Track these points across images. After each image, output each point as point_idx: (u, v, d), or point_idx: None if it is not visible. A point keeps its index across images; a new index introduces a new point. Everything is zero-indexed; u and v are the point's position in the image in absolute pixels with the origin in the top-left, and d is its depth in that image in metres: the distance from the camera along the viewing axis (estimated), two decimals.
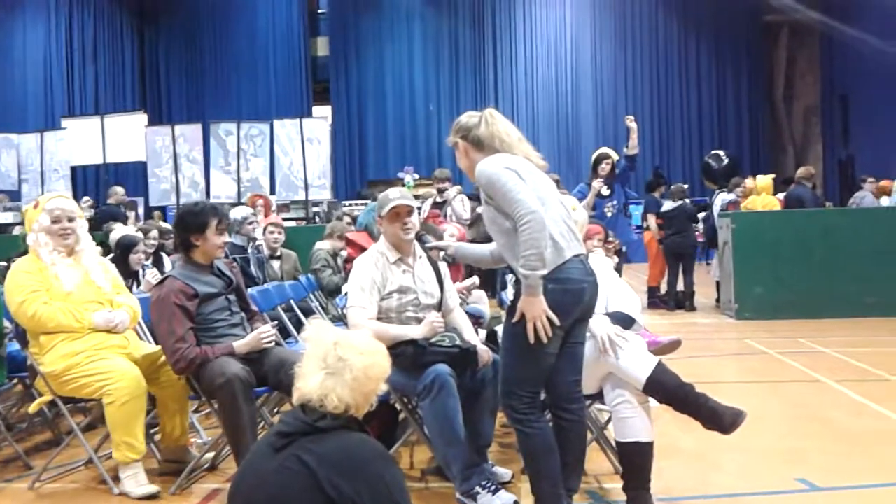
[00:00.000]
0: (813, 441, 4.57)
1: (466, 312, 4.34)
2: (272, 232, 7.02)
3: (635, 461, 3.33)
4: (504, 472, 3.89)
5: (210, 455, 4.16)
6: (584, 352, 3.21)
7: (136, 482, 3.76)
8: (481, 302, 5.68)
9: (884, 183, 11.64)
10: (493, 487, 3.48)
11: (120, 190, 11.75)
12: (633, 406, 3.33)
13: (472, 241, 10.67)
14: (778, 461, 4.15)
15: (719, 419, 3.25)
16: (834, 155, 21.01)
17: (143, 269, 6.04)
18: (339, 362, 2.19)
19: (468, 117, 3.28)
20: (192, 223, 4.01)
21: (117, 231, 6.69)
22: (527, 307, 2.89)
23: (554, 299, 2.91)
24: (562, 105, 23.10)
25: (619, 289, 4.10)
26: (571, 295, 2.98)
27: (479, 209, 10.85)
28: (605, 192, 7.86)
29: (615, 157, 8.04)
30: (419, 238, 4.07)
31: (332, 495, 2.03)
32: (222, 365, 3.72)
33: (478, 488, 3.47)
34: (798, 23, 21.97)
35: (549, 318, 2.89)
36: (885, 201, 11.04)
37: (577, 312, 3.03)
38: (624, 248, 7.80)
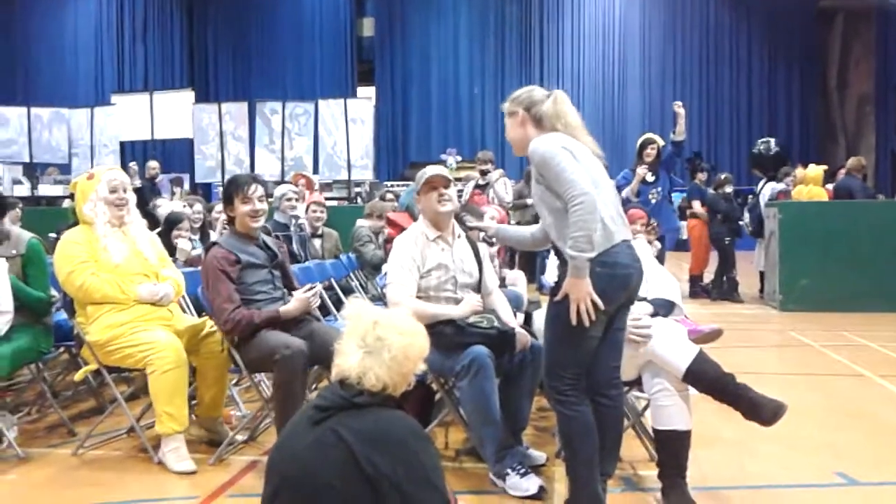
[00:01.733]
0: (853, 435, 4.50)
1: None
2: (314, 211, 7.07)
3: (671, 449, 3.31)
4: (539, 455, 3.89)
5: (247, 428, 4.23)
6: (624, 338, 3.19)
7: (178, 456, 3.83)
8: (518, 282, 5.66)
9: None
10: (522, 470, 3.49)
11: (154, 164, 11.91)
12: (672, 394, 3.30)
13: (518, 223, 10.74)
14: (817, 454, 4.10)
15: (760, 411, 3.20)
16: (887, 146, 20.47)
17: (193, 245, 6.11)
18: (377, 342, 2.20)
19: (535, 91, 3.22)
20: (226, 195, 4.19)
21: (165, 206, 6.79)
22: (572, 289, 2.86)
23: (600, 283, 2.87)
24: (608, 91, 22.83)
25: (660, 275, 4.07)
26: (618, 279, 2.95)
27: (517, 186, 10.84)
28: (650, 178, 7.77)
29: (661, 142, 7.94)
30: (458, 218, 4.08)
31: (368, 471, 2.04)
32: (285, 339, 3.77)
33: (508, 470, 3.49)
34: (853, 9, 21.38)
35: (593, 302, 2.86)
36: None
37: (623, 297, 3.01)
38: (665, 235, 7.71)
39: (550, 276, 4.26)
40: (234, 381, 4.82)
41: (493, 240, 3.87)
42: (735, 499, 3.05)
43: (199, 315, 4.55)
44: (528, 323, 4.56)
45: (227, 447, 4.04)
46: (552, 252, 4.48)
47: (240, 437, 4.21)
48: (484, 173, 9.73)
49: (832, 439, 4.39)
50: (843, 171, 10.86)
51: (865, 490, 3.64)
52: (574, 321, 2.87)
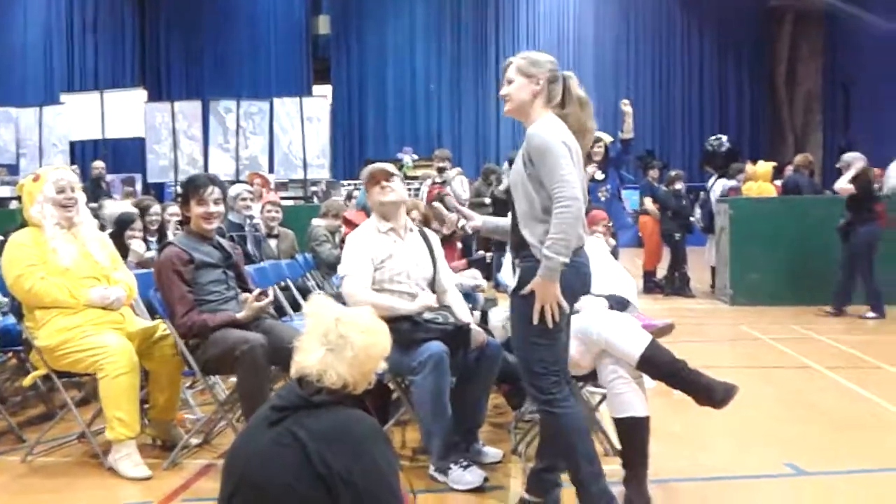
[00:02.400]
0: (802, 426, 4.61)
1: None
2: (269, 211, 7.02)
3: (632, 437, 3.34)
4: (495, 453, 3.92)
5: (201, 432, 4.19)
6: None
7: (130, 462, 3.77)
8: (476, 280, 5.67)
9: (878, 171, 11.62)
10: (465, 464, 3.52)
11: (98, 164, 11.73)
12: (628, 381, 3.32)
13: None
14: (767, 445, 4.19)
15: (712, 393, 3.27)
16: (834, 142, 20.94)
17: (149, 246, 6.00)
18: (340, 339, 2.18)
19: (553, 64, 3.09)
20: (182, 195, 4.16)
21: (112, 207, 6.66)
22: (541, 290, 2.83)
23: (569, 282, 2.87)
24: None
25: (616, 272, 4.12)
26: (581, 278, 2.99)
27: (474, 184, 10.86)
28: (599, 176, 7.83)
29: (608, 140, 8.01)
30: (441, 199, 4.11)
31: (321, 471, 2.03)
32: (242, 334, 3.75)
33: (451, 464, 3.52)
34: (802, 9, 21.84)
35: (559, 303, 2.85)
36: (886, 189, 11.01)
37: (581, 296, 3.06)
38: (618, 232, 7.80)
39: (506, 274, 4.28)
40: (187, 384, 4.77)
41: (469, 225, 3.77)
42: (687, 491, 3.11)
43: (152, 318, 4.49)
44: (484, 321, 4.58)
45: (182, 451, 4.00)
46: (508, 250, 4.52)
47: (194, 441, 4.17)
48: (441, 171, 9.75)
49: (782, 431, 4.50)
50: (790, 167, 11.09)
51: (814, 480, 3.73)
52: (536, 321, 2.86)
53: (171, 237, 6.59)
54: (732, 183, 10.46)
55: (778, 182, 11.01)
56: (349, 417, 2.14)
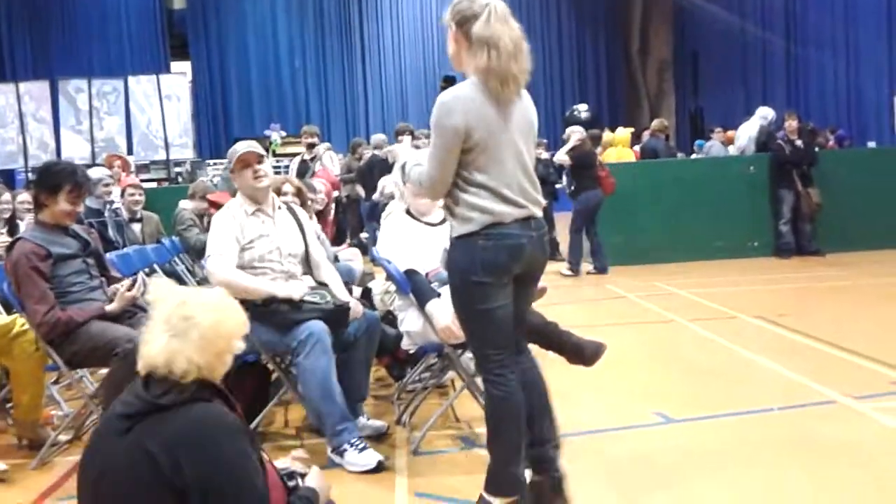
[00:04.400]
0: (668, 376, 4.89)
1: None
2: (132, 194, 6.75)
3: None
4: (380, 425, 3.95)
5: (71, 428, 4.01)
6: (527, 309, 3.08)
7: None
8: (355, 259, 5.69)
9: (730, 133, 12.35)
10: (361, 446, 3.51)
11: None
12: None
13: (347, 196, 10.71)
14: (637, 397, 4.42)
15: (582, 352, 3.40)
16: (685, 107, 22.03)
17: None
18: (183, 322, 2.02)
19: (470, 2, 2.77)
20: (45, 181, 3.84)
21: None
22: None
23: (493, 257, 2.75)
24: (429, 60, 23.04)
25: None
26: (507, 251, 2.78)
27: (344, 160, 10.82)
28: None
29: None
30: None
31: (176, 482, 1.89)
32: (126, 331, 3.58)
33: (346, 445, 3.50)
34: None
35: (486, 275, 2.74)
36: (732, 150, 11.71)
37: (518, 268, 2.82)
38: None
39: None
40: (53, 380, 4.54)
41: None
42: (565, 445, 3.24)
43: (9, 313, 4.23)
44: (366, 297, 4.59)
45: (50, 449, 3.82)
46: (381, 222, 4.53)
47: (63, 438, 3.98)
48: (311, 147, 9.62)
49: (650, 382, 4.75)
50: (647, 132, 11.59)
51: (681, 426, 3.97)
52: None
53: (22, 227, 6.23)
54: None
55: (636, 147, 11.50)
56: (198, 416, 1.98)
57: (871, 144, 14.19)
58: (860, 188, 9.59)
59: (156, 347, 2.01)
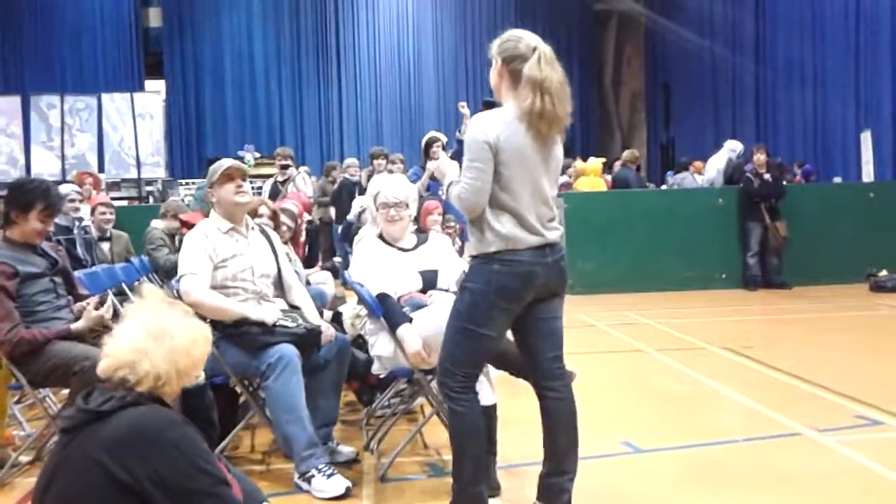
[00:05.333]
0: (636, 406, 4.92)
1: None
2: (102, 213, 6.68)
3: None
4: (349, 451, 3.93)
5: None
6: (562, 327, 3.14)
7: None
8: (326, 282, 5.68)
9: (698, 164, 12.56)
10: (329, 472, 3.49)
11: None
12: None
13: (320, 219, 10.69)
14: (605, 427, 4.43)
15: None
16: (657, 139, 22.35)
17: None
18: (160, 329, 2.05)
19: (521, 42, 2.91)
20: (17, 198, 3.77)
21: None
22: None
23: (504, 282, 2.86)
24: (404, 86, 23.19)
25: (459, 267, 4.22)
26: (519, 278, 2.89)
27: (318, 182, 10.79)
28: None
29: (444, 139, 8.23)
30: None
31: (125, 479, 1.89)
32: (84, 349, 3.53)
33: (314, 471, 3.48)
34: (625, 13, 23.15)
35: (493, 300, 2.86)
36: (698, 179, 11.91)
37: (531, 294, 2.93)
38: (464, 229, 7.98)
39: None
40: (15, 399, 4.47)
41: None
42: (533, 474, 3.24)
43: None
44: (337, 321, 4.58)
45: (10, 470, 3.75)
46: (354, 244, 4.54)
47: (24, 459, 3.92)
48: (284, 168, 9.61)
49: (618, 411, 4.78)
50: (619, 162, 11.73)
51: (648, 456, 3.99)
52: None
53: None
54: (564, 178, 10.95)
55: (608, 177, 11.63)
56: (143, 415, 1.97)
57: (837, 179, 14.47)
58: (826, 222, 9.79)
59: (127, 343, 2.03)
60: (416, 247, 3.97)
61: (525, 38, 2.93)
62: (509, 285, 2.87)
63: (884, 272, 9.27)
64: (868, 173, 12.68)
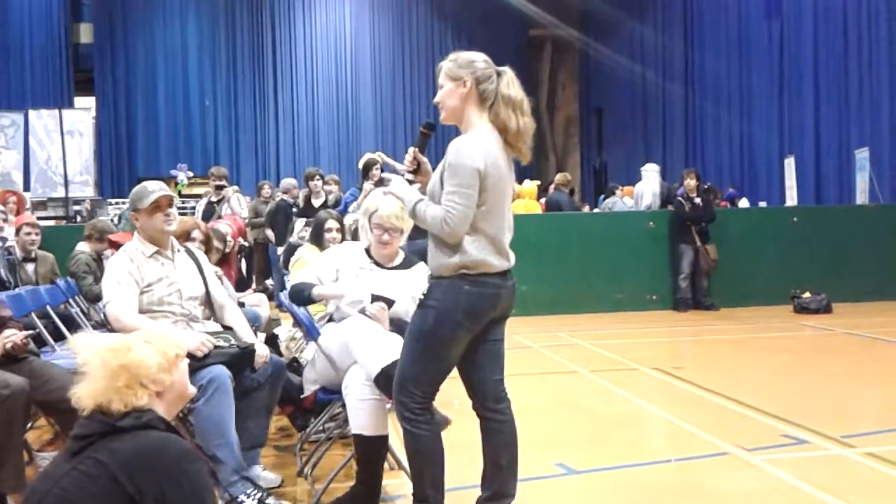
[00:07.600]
0: (571, 427, 4.97)
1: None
2: (28, 233, 6.47)
3: (364, 451, 3.38)
4: (274, 478, 3.86)
5: None
6: (504, 350, 3.17)
7: None
8: (261, 305, 5.61)
9: (627, 189, 12.83)
10: (257, 496, 3.43)
11: None
12: (363, 399, 3.34)
13: (255, 240, 10.55)
14: (539, 448, 4.44)
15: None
16: (590, 162, 22.78)
17: None
18: (83, 363, 2.10)
19: (480, 62, 2.93)
20: None
21: None
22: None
23: (474, 303, 2.90)
24: (342, 103, 23.19)
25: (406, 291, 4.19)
26: (487, 300, 2.95)
27: (252, 203, 10.66)
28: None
29: (382, 159, 8.26)
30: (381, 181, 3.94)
31: (131, 492, 1.94)
32: (2, 376, 3.38)
33: (242, 496, 3.42)
34: (559, 38, 23.61)
35: (460, 320, 2.88)
36: (628, 202, 12.15)
37: (491, 315, 2.99)
38: None
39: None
40: None
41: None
42: (470, 497, 3.24)
43: None
44: (272, 343, 4.51)
45: None
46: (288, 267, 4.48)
47: None
48: (219, 189, 9.47)
49: (553, 433, 4.81)
50: (553, 186, 11.91)
51: (582, 477, 4.03)
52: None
53: None
54: None
55: (542, 200, 11.79)
56: (161, 440, 2.06)
57: (763, 204, 14.95)
58: (751, 246, 10.09)
59: (87, 389, 2.06)
60: (395, 267, 3.92)
61: (486, 59, 2.97)
62: (478, 306, 2.91)
63: (807, 294, 9.58)
64: (792, 198, 13.15)
